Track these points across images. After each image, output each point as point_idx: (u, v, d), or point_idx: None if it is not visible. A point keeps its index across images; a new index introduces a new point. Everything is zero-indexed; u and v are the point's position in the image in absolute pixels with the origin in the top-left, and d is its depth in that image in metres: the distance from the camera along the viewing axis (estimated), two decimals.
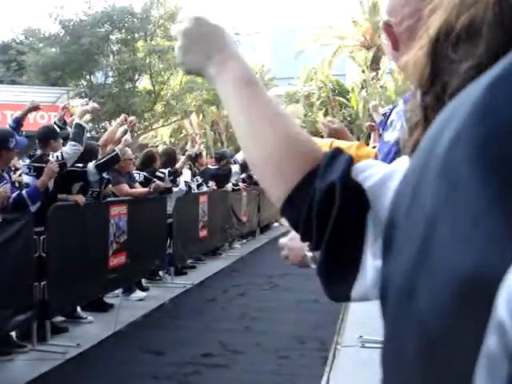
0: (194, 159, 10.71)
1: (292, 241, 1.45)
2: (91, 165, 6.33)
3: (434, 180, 0.46)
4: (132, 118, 7.63)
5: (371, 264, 0.70)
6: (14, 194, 5.22)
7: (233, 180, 11.90)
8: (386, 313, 0.54)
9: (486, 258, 0.39)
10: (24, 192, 5.31)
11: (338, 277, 0.75)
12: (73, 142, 5.90)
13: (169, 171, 8.50)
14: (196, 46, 0.97)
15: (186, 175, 9.42)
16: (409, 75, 0.64)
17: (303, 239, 0.79)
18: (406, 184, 0.52)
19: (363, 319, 6.02)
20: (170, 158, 8.97)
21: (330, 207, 0.72)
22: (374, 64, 26.60)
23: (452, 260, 0.42)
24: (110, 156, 6.45)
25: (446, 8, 0.58)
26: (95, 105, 6.90)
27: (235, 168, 11.63)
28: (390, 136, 1.75)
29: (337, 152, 0.78)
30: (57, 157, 5.79)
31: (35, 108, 6.39)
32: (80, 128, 6.04)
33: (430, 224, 0.45)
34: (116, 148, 6.59)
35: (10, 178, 5.71)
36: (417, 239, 0.47)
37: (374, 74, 26.64)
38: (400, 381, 0.50)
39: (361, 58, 27.24)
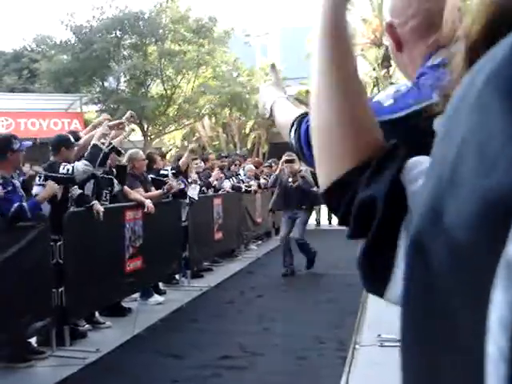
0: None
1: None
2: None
3: (466, 114, 0.49)
4: (129, 113, 7.37)
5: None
6: (15, 205, 5.18)
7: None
8: (411, 240, 0.56)
9: (509, 179, 0.43)
10: (25, 204, 5.28)
11: (374, 275, 0.75)
12: (86, 162, 5.88)
13: (171, 167, 8.69)
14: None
15: (194, 189, 9.19)
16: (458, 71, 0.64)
17: (341, 224, 0.80)
18: (440, 126, 0.56)
19: (381, 318, 6.00)
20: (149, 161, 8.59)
21: (370, 213, 0.72)
22: (385, 61, 26.51)
23: (478, 179, 0.45)
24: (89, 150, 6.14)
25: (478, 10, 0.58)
26: (106, 116, 7.07)
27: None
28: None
29: (392, 150, 0.77)
30: (67, 170, 5.79)
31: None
32: (96, 149, 6.03)
33: (460, 150, 0.49)
34: (93, 141, 6.17)
35: (21, 184, 5.70)
36: (446, 166, 0.50)
37: (386, 71, 26.55)
38: (428, 295, 0.52)
39: (372, 56, 27.18)
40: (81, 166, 5.84)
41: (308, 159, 1.47)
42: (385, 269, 0.72)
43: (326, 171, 0.83)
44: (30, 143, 5.98)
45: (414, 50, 1.53)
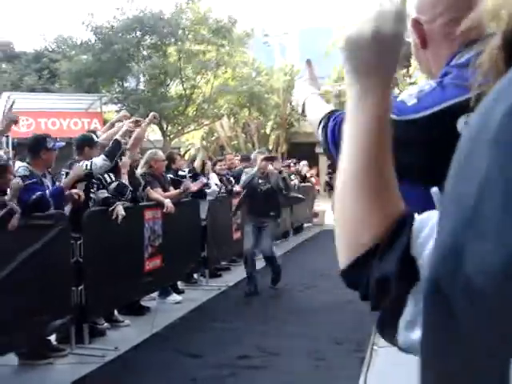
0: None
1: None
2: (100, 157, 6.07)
3: (488, 149, 0.47)
4: (152, 114, 7.24)
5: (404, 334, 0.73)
6: (37, 193, 5.21)
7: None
8: (430, 272, 0.56)
9: None
10: (47, 192, 5.33)
11: (388, 334, 0.78)
12: (104, 157, 5.93)
13: (189, 170, 8.79)
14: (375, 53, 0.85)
15: (214, 178, 9.47)
16: (485, 71, 0.63)
17: (363, 300, 0.81)
18: (457, 156, 0.54)
19: None
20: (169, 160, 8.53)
21: (385, 289, 0.74)
22: (405, 61, 26.43)
23: (502, 228, 0.44)
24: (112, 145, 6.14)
25: None
26: (125, 113, 7.09)
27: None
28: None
29: (401, 223, 0.76)
30: (86, 165, 5.88)
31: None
32: (117, 145, 6.08)
33: (482, 188, 0.47)
34: (116, 136, 6.25)
35: (54, 183, 5.73)
36: (466, 201, 0.49)
37: (405, 70, 26.45)
38: (448, 333, 0.52)
39: None
40: (99, 161, 5.91)
41: (334, 157, 1.46)
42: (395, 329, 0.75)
43: (345, 254, 0.82)
44: (62, 144, 6.04)
45: (439, 48, 1.51)
